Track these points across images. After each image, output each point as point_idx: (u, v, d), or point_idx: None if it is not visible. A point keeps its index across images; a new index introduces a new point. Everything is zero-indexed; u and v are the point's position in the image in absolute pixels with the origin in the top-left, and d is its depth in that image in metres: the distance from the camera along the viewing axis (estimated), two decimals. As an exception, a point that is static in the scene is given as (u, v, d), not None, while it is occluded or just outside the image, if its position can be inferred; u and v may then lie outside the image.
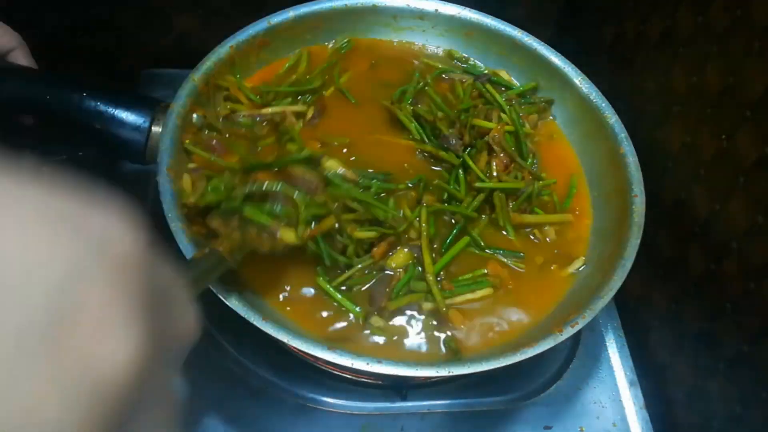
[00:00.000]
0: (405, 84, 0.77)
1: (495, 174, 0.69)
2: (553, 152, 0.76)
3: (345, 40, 0.81)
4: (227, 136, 0.70)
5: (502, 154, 0.70)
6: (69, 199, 0.22)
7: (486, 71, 0.81)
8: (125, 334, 0.22)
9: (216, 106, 0.73)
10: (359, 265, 0.62)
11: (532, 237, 0.69)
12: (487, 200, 0.68)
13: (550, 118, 0.79)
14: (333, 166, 0.62)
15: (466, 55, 0.83)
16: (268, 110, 0.72)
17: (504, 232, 0.68)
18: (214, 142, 0.70)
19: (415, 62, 0.81)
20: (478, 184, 0.68)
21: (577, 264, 0.67)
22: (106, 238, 0.22)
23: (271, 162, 0.59)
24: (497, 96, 0.76)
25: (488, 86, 0.77)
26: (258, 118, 0.72)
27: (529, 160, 0.72)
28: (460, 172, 0.69)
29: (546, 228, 0.69)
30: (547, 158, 0.75)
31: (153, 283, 0.24)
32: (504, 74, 0.81)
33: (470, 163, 0.69)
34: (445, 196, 0.69)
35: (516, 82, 0.81)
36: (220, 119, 0.71)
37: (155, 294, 0.24)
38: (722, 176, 0.64)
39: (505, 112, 0.74)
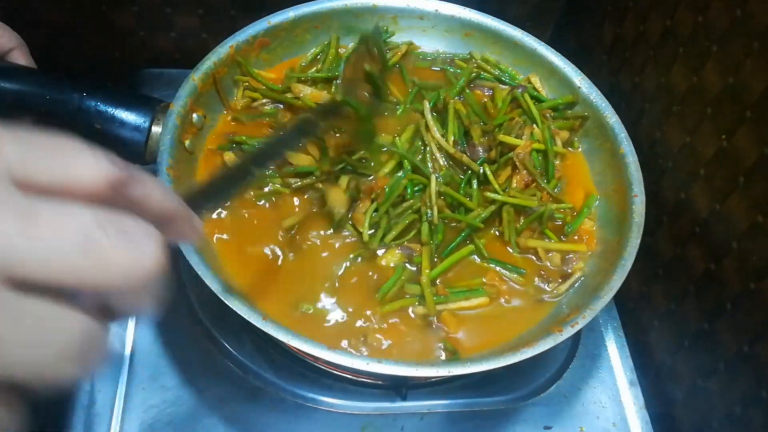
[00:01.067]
0: (434, 83, 0.77)
1: (507, 189, 0.68)
2: (574, 174, 0.75)
3: (384, 28, 0.81)
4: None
5: (524, 172, 0.69)
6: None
7: (520, 81, 0.79)
8: None
9: (236, 99, 0.74)
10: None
11: (535, 259, 0.67)
12: (498, 213, 0.68)
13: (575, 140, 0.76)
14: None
15: (498, 60, 0.81)
16: (290, 95, 0.73)
17: (509, 248, 0.67)
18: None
19: (449, 69, 0.80)
20: (489, 194, 0.67)
21: (574, 277, 0.66)
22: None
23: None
24: (534, 109, 0.74)
25: (526, 96, 0.75)
26: (282, 105, 0.74)
27: (553, 182, 0.71)
28: (475, 181, 0.68)
29: (551, 254, 0.67)
30: (570, 179, 0.73)
31: None
32: (536, 81, 0.79)
33: (489, 175, 0.68)
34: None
35: (545, 92, 0.79)
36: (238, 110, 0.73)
37: None
38: (722, 176, 0.64)
39: (539, 127, 0.72)
